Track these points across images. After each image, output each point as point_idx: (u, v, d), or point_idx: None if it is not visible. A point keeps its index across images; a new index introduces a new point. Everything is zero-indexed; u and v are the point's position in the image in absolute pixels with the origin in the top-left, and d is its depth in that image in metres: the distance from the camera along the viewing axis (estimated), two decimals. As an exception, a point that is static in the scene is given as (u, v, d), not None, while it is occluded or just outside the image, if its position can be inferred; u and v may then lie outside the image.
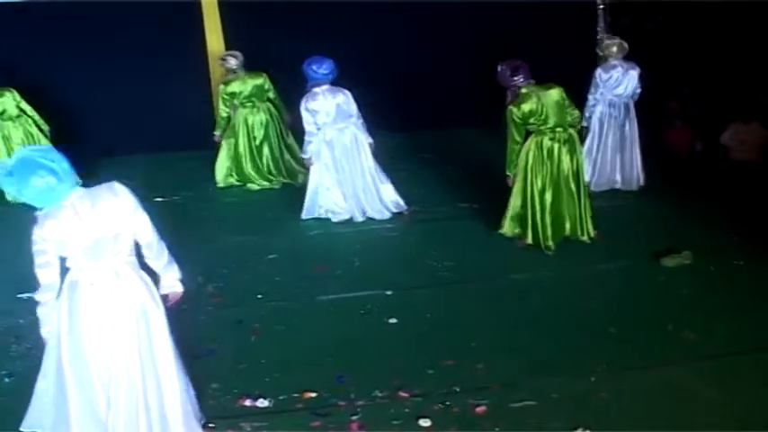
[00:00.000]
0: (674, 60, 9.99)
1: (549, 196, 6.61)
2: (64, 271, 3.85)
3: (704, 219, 7.32)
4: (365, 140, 7.52)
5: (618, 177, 8.21)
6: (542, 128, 6.53)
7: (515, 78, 6.55)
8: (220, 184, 8.90)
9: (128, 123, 9.82)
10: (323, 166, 7.50)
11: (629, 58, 8.09)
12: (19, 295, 5.95)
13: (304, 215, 7.62)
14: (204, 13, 9.84)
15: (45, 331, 3.90)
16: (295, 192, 8.56)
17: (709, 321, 5.42)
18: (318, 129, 7.38)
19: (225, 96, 8.68)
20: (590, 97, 8.05)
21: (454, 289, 6.06)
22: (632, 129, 8.15)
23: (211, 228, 7.66)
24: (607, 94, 8.06)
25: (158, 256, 4.00)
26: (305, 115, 7.38)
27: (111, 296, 3.77)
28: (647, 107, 8.30)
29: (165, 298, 4.04)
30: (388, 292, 6.02)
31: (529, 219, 6.66)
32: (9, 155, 8.32)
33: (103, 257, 3.76)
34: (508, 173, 6.70)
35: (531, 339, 5.28)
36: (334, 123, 7.38)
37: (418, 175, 8.71)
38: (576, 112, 6.86)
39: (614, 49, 8.09)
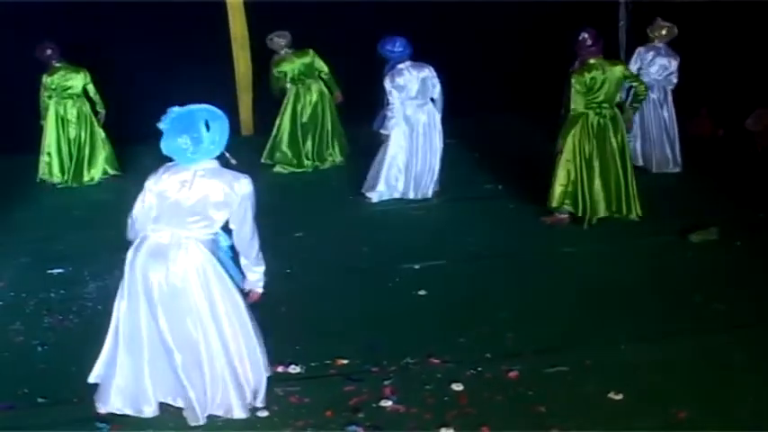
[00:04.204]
0: (696, 46, 9.91)
1: (596, 171, 6.62)
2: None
3: (731, 199, 7.29)
4: (439, 121, 7.54)
5: (653, 158, 8.26)
6: (591, 104, 6.54)
7: (592, 48, 6.53)
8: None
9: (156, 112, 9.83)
10: (398, 145, 7.49)
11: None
12: (49, 271, 6.12)
13: (365, 189, 7.60)
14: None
15: None
16: (319, 174, 8.59)
17: (738, 294, 5.39)
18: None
19: (276, 75, 8.76)
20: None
21: (483, 263, 6.05)
22: (670, 113, 8.27)
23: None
24: (644, 74, 8.07)
25: (246, 253, 4.08)
26: (392, 92, 7.37)
27: (169, 262, 3.83)
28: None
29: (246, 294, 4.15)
30: (417, 266, 6.01)
31: (578, 193, 6.65)
32: (61, 132, 8.40)
33: (179, 226, 3.84)
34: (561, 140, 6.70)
35: (560, 311, 5.26)
36: (415, 99, 7.42)
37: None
38: (643, 86, 6.91)
39: (663, 31, 8.26)
